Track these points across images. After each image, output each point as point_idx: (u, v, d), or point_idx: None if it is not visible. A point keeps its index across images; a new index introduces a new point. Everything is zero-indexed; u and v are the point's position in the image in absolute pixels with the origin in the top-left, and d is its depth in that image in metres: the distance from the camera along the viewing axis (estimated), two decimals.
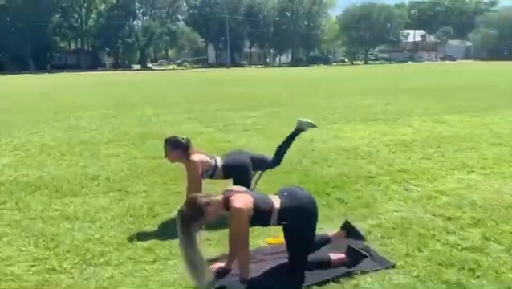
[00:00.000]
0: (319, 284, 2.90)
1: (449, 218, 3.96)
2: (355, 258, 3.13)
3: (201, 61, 72.65)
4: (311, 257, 3.05)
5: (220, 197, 2.85)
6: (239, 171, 4.10)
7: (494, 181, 5.07)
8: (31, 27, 52.29)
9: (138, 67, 64.24)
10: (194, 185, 3.91)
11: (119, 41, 62.77)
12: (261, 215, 2.87)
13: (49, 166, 6.25)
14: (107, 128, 9.40)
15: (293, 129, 4.60)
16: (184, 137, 3.94)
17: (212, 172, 4.02)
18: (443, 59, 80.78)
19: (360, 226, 3.40)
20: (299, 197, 3.00)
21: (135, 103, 14.56)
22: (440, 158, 6.20)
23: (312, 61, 71.03)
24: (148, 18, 65.62)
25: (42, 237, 3.75)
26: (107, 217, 4.18)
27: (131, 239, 3.65)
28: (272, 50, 77.78)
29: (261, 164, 4.38)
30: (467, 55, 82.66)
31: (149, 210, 4.32)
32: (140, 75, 41.07)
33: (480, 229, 3.70)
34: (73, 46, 67.32)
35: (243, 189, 3.05)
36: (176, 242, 3.12)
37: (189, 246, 2.68)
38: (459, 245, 3.42)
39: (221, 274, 3.01)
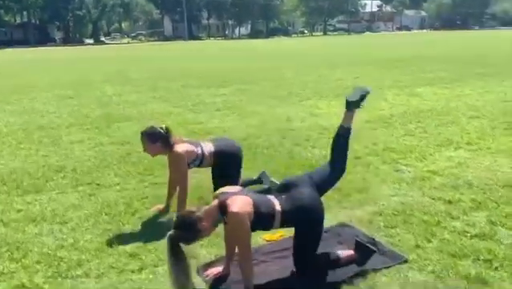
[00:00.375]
0: (332, 285, 2.64)
1: (450, 202, 3.78)
2: (365, 254, 2.87)
3: (156, 34, 70.19)
4: (319, 255, 2.76)
5: (214, 204, 2.48)
6: (228, 158, 3.71)
7: (483, 158, 4.96)
8: None
9: (91, 41, 61.27)
10: (180, 180, 3.52)
11: (70, 14, 59.42)
12: (262, 219, 2.53)
13: (4, 157, 5.63)
14: (66, 111, 8.69)
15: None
16: (163, 126, 3.49)
17: (199, 162, 3.61)
18: (399, 29, 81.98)
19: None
20: (300, 197, 2.66)
21: (92, 81, 13.67)
22: (423, 134, 6.05)
23: (272, 32, 70.21)
24: None
25: (6, 245, 3.26)
26: (79, 216, 3.73)
27: (110, 243, 3.23)
28: (231, 22, 76.22)
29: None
30: (422, 25, 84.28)
31: (126, 206, 3.89)
32: (94, 50, 39.12)
33: (484, 213, 3.54)
34: (18, 20, 63.23)
35: (238, 188, 2.68)
36: (162, 243, 2.77)
37: (181, 274, 2.33)
38: (467, 232, 3.23)
39: (220, 280, 2.69)
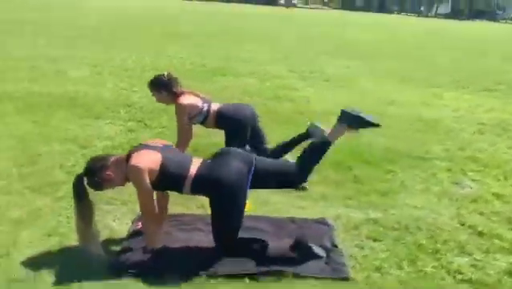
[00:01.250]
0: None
1: (480, 233, 2.95)
2: (306, 255, 2.47)
3: (347, 3, 68.93)
4: (242, 240, 2.47)
5: (123, 155, 2.40)
6: (232, 124, 3.52)
7: None
8: None
9: (282, 2, 63.51)
10: (179, 131, 3.49)
11: None
12: (170, 180, 2.36)
13: None
14: None
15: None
16: (165, 73, 3.46)
17: (202, 119, 3.50)
18: None
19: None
20: (221, 169, 2.38)
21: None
22: None
23: (475, 16, 62.27)
24: None
25: None
26: None
27: None
28: None
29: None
30: None
31: None
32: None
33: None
34: None
35: (161, 143, 2.53)
36: None
37: (86, 218, 2.33)
38: (461, 273, 2.49)
39: (139, 233, 2.61)
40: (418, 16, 61.13)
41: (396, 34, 20.27)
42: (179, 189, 2.42)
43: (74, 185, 2.35)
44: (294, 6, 61.38)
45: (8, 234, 2.58)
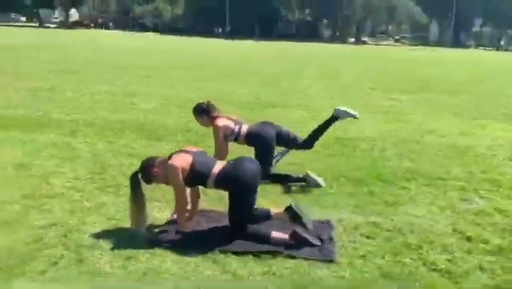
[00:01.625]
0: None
1: (468, 238, 3.32)
2: (299, 243, 3.05)
3: (420, 38, 67.98)
4: (251, 228, 3.11)
5: (167, 156, 3.17)
6: (260, 141, 4.23)
7: None
8: None
9: (352, 39, 64.25)
10: (217, 148, 4.25)
11: (339, 13, 63.61)
12: (197, 176, 3.09)
13: None
14: None
15: (328, 117, 4.44)
16: (205, 102, 4.27)
17: (234, 137, 4.26)
18: None
19: (307, 214, 3.18)
20: (240, 168, 3.07)
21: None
22: None
23: None
24: None
25: None
26: None
27: None
28: (510, 32, 67.05)
29: (288, 141, 4.40)
30: None
31: None
32: (360, 49, 41.14)
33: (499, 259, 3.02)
34: (296, 17, 71.37)
35: (196, 149, 3.28)
36: None
37: (138, 205, 3.09)
38: (435, 265, 2.91)
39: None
40: (497, 50, 58.72)
41: (467, 69, 20.04)
42: (204, 184, 3.15)
43: (131, 178, 3.16)
44: (365, 43, 61.84)
45: (79, 218, 3.43)
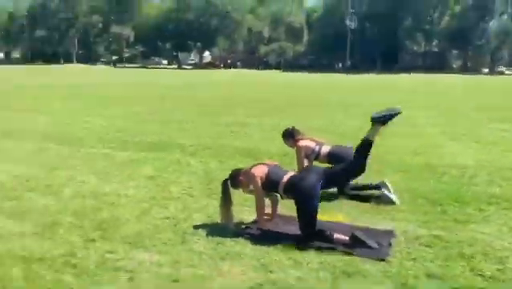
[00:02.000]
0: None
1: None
2: (358, 245, 3.55)
3: None
4: (317, 229, 3.70)
5: (250, 167, 3.96)
6: (339, 162, 4.79)
7: None
8: (383, 31, 57.12)
9: (486, 70, 59.75)
10: (298, 165, 4.95)
11: (469, 43, 59.99)
12: (271, 183, 3.82)
13: None
14: None
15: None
16: (291, 127, 5.03)
17: (315, 156, 4.93)
18: None
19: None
20: (302, 177, 3.71)
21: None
22: None
23: None
24: (506, 17, 59.49)
25: None
26: None
27: None
28: None
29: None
30: None
31: None
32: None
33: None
34: (422, 48, 69.01)
35: (273, 163, 4.01)
36: None
37: (227, 205, 3.94)
38: (481, 271, 3.18)
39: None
40: None
41: None
42: (277, 191, 3.86)
43: (222, 184, 4.03)
44: (501, 73, 57.04)
45: (187, 214, 4.38)
